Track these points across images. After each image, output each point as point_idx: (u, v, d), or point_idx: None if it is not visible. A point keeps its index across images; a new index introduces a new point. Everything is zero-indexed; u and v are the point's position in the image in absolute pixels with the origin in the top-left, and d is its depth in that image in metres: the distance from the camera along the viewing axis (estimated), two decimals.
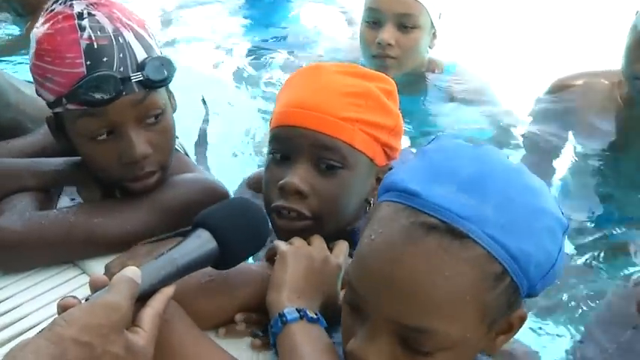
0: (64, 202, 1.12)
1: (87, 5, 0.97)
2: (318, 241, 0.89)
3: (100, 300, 0.62)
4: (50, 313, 0.91)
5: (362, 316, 0.66)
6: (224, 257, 0.75)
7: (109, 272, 0.91)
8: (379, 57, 1.80)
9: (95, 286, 0.66)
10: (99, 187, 1.08)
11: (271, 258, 0.87)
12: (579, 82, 1.72)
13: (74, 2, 0.97)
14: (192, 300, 0.80)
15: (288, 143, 0.92)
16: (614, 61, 1.59)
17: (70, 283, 0.99)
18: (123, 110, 0.97)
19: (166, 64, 1.00)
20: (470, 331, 0.64)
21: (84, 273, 1.02)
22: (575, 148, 1.74)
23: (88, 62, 0.94)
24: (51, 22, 0.97)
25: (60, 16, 0.96)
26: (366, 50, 1.85)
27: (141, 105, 0.98)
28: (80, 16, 0.95)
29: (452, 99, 1.93)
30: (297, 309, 0.77)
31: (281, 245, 0.86)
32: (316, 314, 0.78)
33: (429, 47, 1.87)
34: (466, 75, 1.99)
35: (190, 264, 0.71)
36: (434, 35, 1.85)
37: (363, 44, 1.86)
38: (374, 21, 1.79)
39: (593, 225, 1.55)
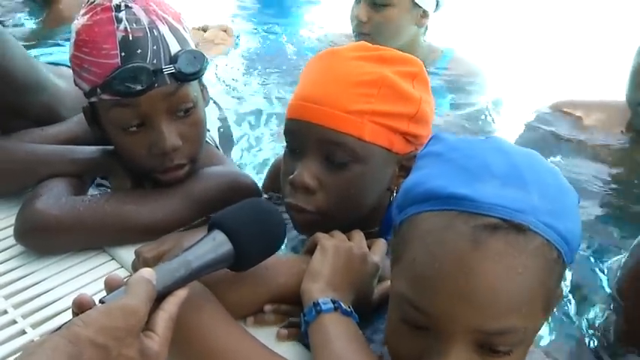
0: (95, 190, 1.14)
1: None
2: (359, 238, 0.88)
3: (118, 303, 0.61)
4: None
5: (431, 334, 0.63)
6: (239, 259, 0.74)
7: (141, 257, 0.93)
8: (357, 34, 1.90)
9: (110, 286, 0.65)
10: (129, 178, 1.10)
11: (311, 250, 0.87)
12: (579, 111, 1.62)
13: None
14: (224, 289, 0.80)
15: (298, 137, 0.91)
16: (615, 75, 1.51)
17: (100, 269, 1.02)
18: (154, 102, 0.99)
19: (199, 57, 1.02)
20: (539, 320, 0.65)
21: (113, 259, 1.04)
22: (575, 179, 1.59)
23: (123, 53, 0.96)
24: (90, 13, 0.99)
25: (98, 8, 0.99)
26: (352, 26, 1.96)
27: (172, 97, 1.00)
28: (118, 8, 0.98)
29: (446, 87, 1.94)
30: (331, 300, 0.77)
31: (323, 238, 0.86)
32: (349, 308, 0.78)
33: (417, 26, 1.90)
34: (462, 63, 2.01)
35: (205, 266, 0.70)
36: (423, 14, 1.88)
37: (351, 21, 1.96)
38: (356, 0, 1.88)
39: (593, 258, 1.43)
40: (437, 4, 1.90)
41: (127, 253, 1.01)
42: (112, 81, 0.96)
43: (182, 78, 1.00)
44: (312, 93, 0.90)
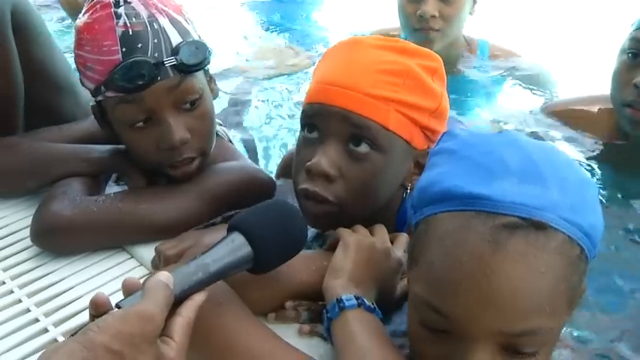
0: (111, 188, 1.14)
1: None
2: (381, 233, 0.86)
3: (135, 308, 0.60)
4: None
5: (453, 338, 0.62)
6: (259, 262, 0.72)
7: (162, 255, 0.93)
8: (422, 30, 1.75)
9: (128, 290, 0.64)
10: (143, 175, 1.08)
11: (333, 247, 0.85)
12: (570, 111, 1.60)
13: None
14: (244, 286, 0.78)
15: (318, 121, 0.88)
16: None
17: (120, 267, 1.02)
18: (159, 96, 0.97)
19: (202, 48, 1.00)
20: (563, 319, 0.63)
21: (132, 257, 1.04)
22: None
23: (124, 49, 0.95)
24: (90, 11, 0.98)
25: (98, 6, 0.97)
26: (407, 24, 1.79)
27: (177, 90, 0.98)
28: (117, 4, 0.96)
29: (492, 81, 1.89)
30: (355, 296, 0.76)
31: (345, 234, 0.85)
32: (372, 304, 0.77)
33: (470, 14, 1.82)
34: (505, 56, 1.94)
35: (223, 269, 0.68)
36: (474, 1, 1.80)
37: (403, 18, 1.80)
38: None
39: None
40: None
41: (147, 251, 1.01)
42: (114, 77, 0.95)
43: (185, 69, 0.98)
44: (337, 77, 0.87)
